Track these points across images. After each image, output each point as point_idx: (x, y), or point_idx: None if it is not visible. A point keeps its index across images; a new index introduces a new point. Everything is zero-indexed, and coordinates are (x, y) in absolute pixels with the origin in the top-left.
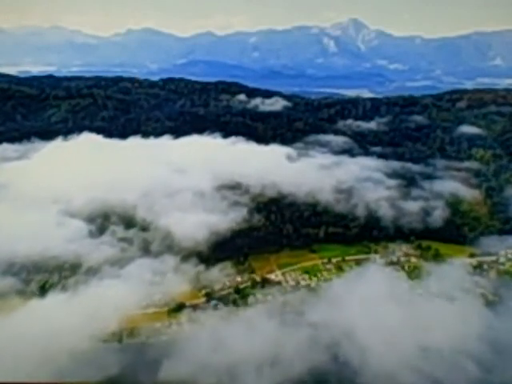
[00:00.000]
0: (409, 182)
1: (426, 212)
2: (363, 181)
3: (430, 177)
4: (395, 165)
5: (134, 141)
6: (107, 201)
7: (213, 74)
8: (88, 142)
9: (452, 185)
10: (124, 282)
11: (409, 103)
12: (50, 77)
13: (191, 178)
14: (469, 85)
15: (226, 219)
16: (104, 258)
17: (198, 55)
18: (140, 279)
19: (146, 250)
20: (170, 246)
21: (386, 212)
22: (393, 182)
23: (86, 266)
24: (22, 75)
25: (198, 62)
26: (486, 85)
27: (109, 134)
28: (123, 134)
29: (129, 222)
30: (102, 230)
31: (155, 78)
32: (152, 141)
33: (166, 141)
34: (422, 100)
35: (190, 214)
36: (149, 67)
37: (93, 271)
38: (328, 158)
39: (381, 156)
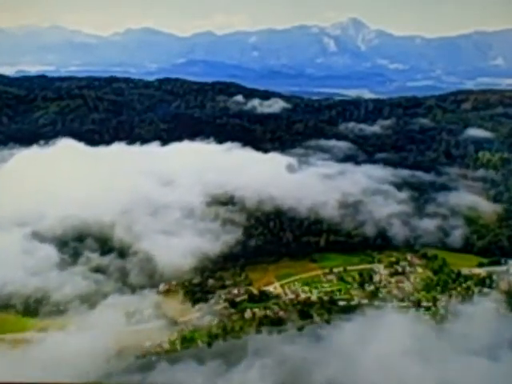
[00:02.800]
0: (421, 194)
1: (445, 232)
2: (371, 194)
3: (443, 188)
4: (404, 174)
5: (118, 148)
6: (82, 220)
7: (212, 73)
8: (65, 149)
9: (469, 198)
10: (92, 327)
11: (412, 104)
12: (41, 77)
13: (179, 191)
14: (470, 84)
15: (217, 243)
16: (74, 294)
17: (198, 55)
18: (112, 324)
19: (123, 282)
20: (151, 276)
21: (398, 231)
22: (404, 195)
23: (49, 305)
24: (18, 75)
25: (198, 61)
26: (487, 85)
27: (99, 137)
28: (113, 138)
29: (105, 247)
30: (74, 258)
31: (153, 78)
32: (138, 148)
33: (153, 148)
34: (425, 101)
35: (175, 238)
36: (148, 67)
37: (56, 313)
38: (331, 167)
39: (387, 163)
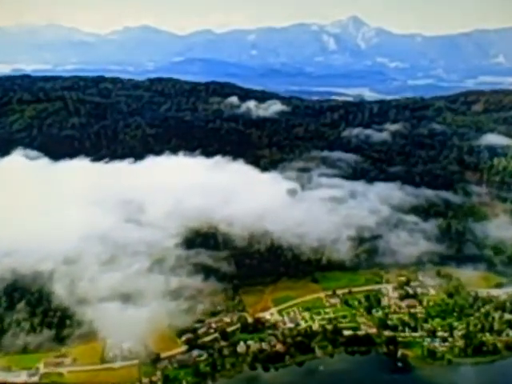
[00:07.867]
0: (451, 224)
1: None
2: (392, 226)
3: (479, 216)
4: (427, 194)
5: (79, 166)
6: (13, 273)
7: (210, 72)
8: (9, 169)
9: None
10: None
11: (420, 106)
12: (25, 76)
13: (149, 227)
14: (471, 83)
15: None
16: None
17: (196, 53)
18: None
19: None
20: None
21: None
22: (431, 226)
23: None
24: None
25: (196, 60)
26: (489, 83)
27: (78, 144)
28: (94, 145)
29: (38, 317)
30: None
31: (151, 76)
32: (104, 165)
33: (123, 165)
34: (434, 102)
35: (134, 306)
36: (146, 65)
37: None
38: (339, 187)
39: (404, 181)
